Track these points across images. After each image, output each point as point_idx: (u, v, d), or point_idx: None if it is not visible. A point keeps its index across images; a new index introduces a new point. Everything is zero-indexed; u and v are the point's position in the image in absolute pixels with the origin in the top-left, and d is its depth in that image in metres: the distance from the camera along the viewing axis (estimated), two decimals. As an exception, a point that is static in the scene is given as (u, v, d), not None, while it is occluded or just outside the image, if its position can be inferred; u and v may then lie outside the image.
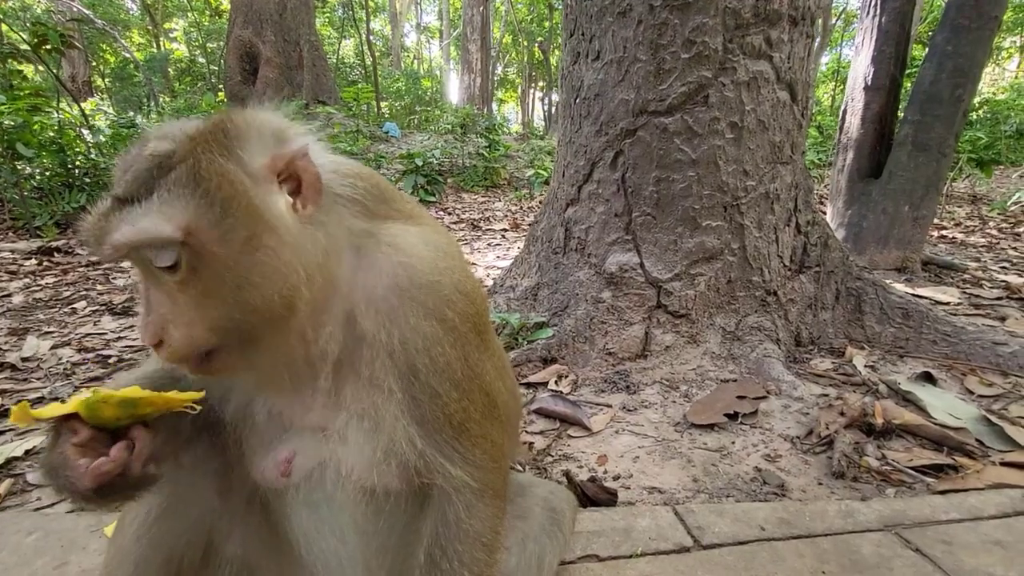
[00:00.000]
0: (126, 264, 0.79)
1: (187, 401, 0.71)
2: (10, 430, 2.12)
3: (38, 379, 2.59)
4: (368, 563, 0.95)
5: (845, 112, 4.57)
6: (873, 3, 4.28)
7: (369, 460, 0.85)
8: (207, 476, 0.95)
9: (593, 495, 1.59)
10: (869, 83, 4.30)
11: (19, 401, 0.69)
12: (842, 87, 14.93)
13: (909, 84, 4.62)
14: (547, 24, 22.78)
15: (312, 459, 0.90)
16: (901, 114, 4.33)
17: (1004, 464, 1.77)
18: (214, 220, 0.69)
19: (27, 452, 1.93)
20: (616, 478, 1.75)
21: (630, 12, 2.33)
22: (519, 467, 1.78)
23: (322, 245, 0.78)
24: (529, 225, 6.35)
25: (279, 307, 0.74)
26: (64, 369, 2.69)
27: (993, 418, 1.98)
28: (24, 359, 2.79)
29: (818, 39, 2.54)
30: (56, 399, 2.37)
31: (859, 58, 4.45)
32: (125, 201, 0.69)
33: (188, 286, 0.71)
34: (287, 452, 0.91)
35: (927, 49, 4.12)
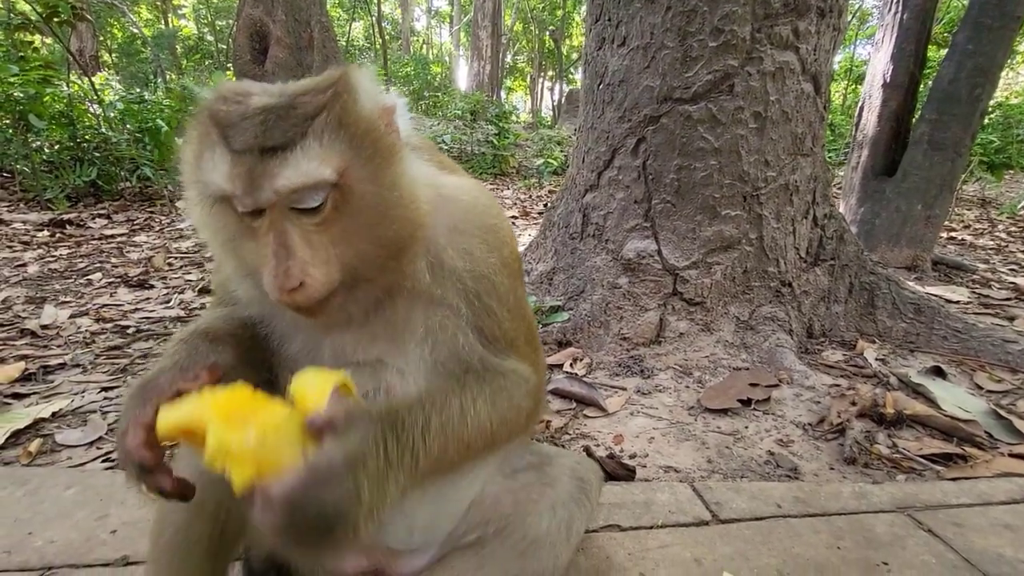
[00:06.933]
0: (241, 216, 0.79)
1: None
2: (35, 393, 2.16)
3: (58, 346, 2.62)
4: None
5: (862, 109, 4.55)
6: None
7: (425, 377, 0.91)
8: None
9: (612, 471, 1.63)
10: (888, 80, 4.28)
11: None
12: (855, 85, 14.81)
13: (926, 83, 4.61)
14: (559, 12, 22.55)
15: (368, 386, 0.94)
16: (918, 112, 4.31)
17: (1013, 455, 1.80)
18: (364, 160, 0.74)
19: (54, 414, 1.97)
20: (632, 456, 1.79)
21: (659, -2, 2.33)
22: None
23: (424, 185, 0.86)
24: (543, 211, 6.36)
25: (408, 240, 0.80)
26: (84, 338, 2.73)
27: (1002, 412, 2.01)
28: (43, 326, 2.82)
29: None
30: (77, 366, 2.41)
31: (879, 55, 4.43)
32: (274, 150, 0.69)
33: (327, 226, 0.74)
34: None
35: (948, 48, 4.09)
